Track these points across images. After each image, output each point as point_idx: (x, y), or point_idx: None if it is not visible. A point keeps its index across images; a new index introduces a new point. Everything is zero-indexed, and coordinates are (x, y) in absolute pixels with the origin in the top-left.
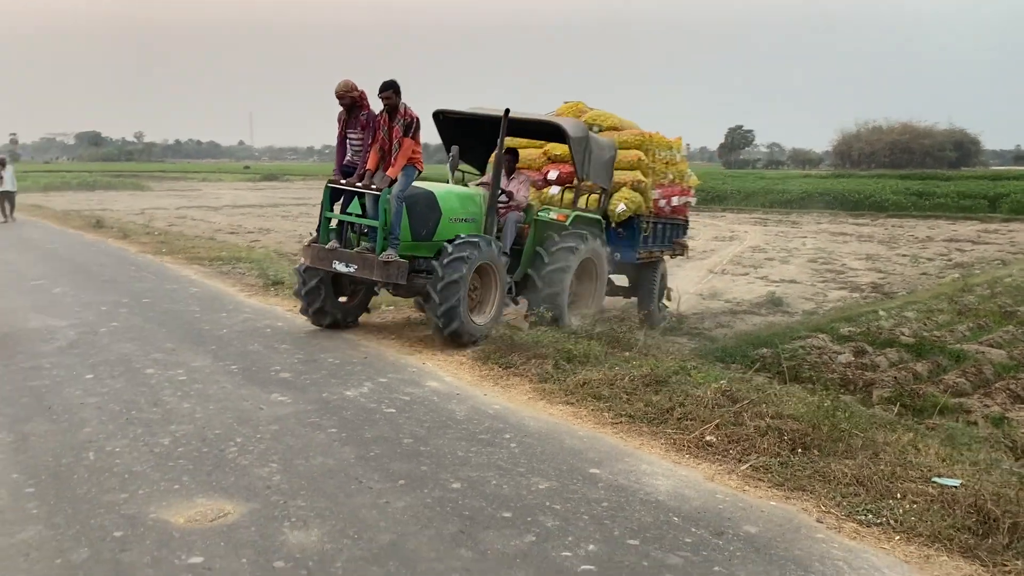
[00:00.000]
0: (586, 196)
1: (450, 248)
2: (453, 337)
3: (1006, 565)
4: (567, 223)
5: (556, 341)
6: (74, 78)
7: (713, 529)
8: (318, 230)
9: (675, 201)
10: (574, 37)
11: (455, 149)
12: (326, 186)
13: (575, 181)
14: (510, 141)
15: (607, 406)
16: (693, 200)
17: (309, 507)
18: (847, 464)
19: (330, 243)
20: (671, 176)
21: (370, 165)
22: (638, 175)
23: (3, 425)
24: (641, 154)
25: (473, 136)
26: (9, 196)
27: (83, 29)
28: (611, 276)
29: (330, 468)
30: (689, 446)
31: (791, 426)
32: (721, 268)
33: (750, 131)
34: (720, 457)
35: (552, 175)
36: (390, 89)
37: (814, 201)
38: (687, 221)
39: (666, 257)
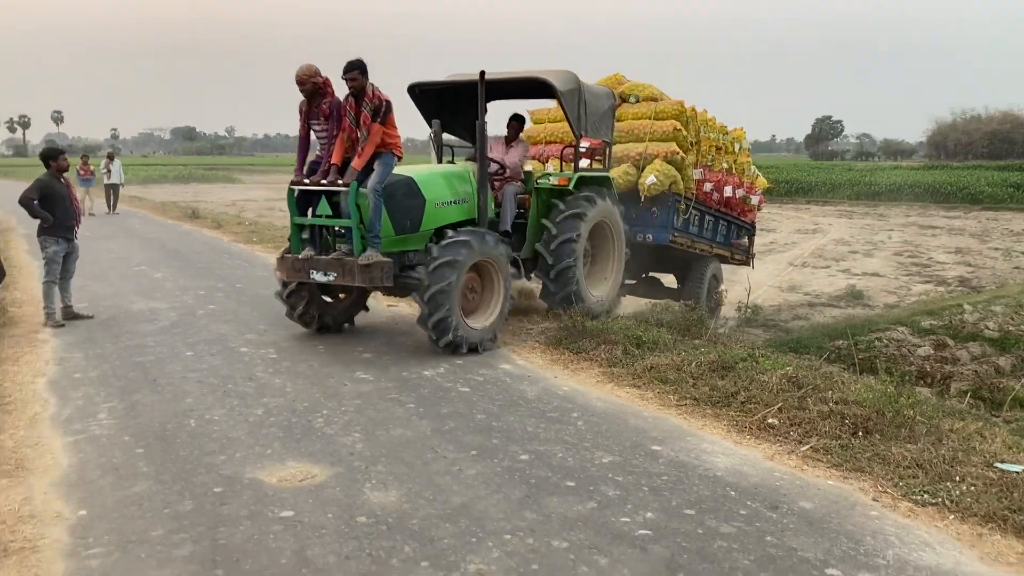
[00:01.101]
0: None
1: (435, 251)
2: (449, 348)
3: None
4: (570, 186)
5: (626, 328)
6: (171, 76)
7: (768, 503)
8: (290, 239)
9: (728, 191)
10: (651, 28)
11: (436, 124)
12: (289, 189)
13: (575, 140)
14: (509, 106)
15: (673, 389)
16: (756, 199)
17: (388, 472)
18: (908, 448)
19: (303, 252)
20: (725, 164)
21: (335, 159)
22: (673, 147)
23: (114, 395)
24: (678, 124)
25: (456, 107)
26: (115, 189)
27: (180, 31)
28: (657, 276)
29: (408, 439)
30: (751, 428)
31: (854, 411)
32: (802, 261)
33: (839, 122)
34: (781, 439)
35: (585, 146)
36: (355, 69)
37: (903, 193)
38: (752, 226)
39: (720, 258)
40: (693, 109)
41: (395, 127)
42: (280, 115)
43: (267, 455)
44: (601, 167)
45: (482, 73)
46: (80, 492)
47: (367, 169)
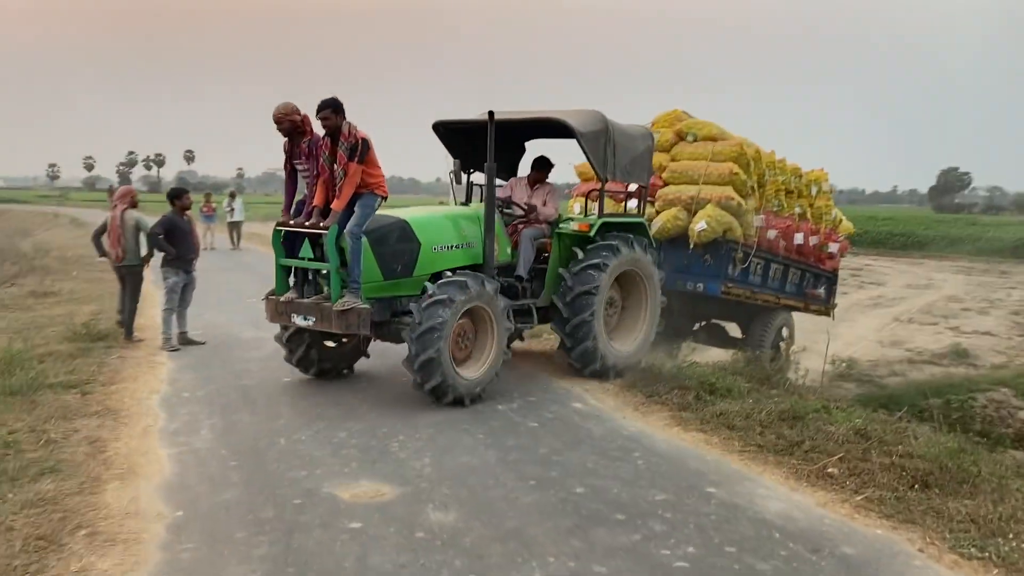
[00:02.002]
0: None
1: (431, 288)
2: (434, 395)
3: None
4: (591, 232)
5: (701, 374)
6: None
7: (811, 546)
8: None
9: (799, 239)
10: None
11: (455, 163)
12: (274, 230)
13: (600, 184)
14: (540, 148)
15: (739, 436)
16: (836, 247)
17: (451, 495)
18: (965, 504)
19: (286, 294)
20: (798, 209)
21: (317, 200)
22: (729, 191)
23: (216, 413)
24: (736, 167)
25: (484, 143)
26: (237, 226)
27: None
28: (723, 323)
29: (473, 466)
30: (810, 476)
31: (916, 465)
32: (908, 316)
33: (966, 173)
34: (837, 488)
35: (632, 186)
36: (327, 108)
37: None
38: (834, 274)
39: (794, 307)
40: (758, 151)
41: (377, 166)
42: (397, 157)
43: (344, 473)
44: (638, 208)
45: (491, 113)
46: (179, 496)
47: (350, 211)
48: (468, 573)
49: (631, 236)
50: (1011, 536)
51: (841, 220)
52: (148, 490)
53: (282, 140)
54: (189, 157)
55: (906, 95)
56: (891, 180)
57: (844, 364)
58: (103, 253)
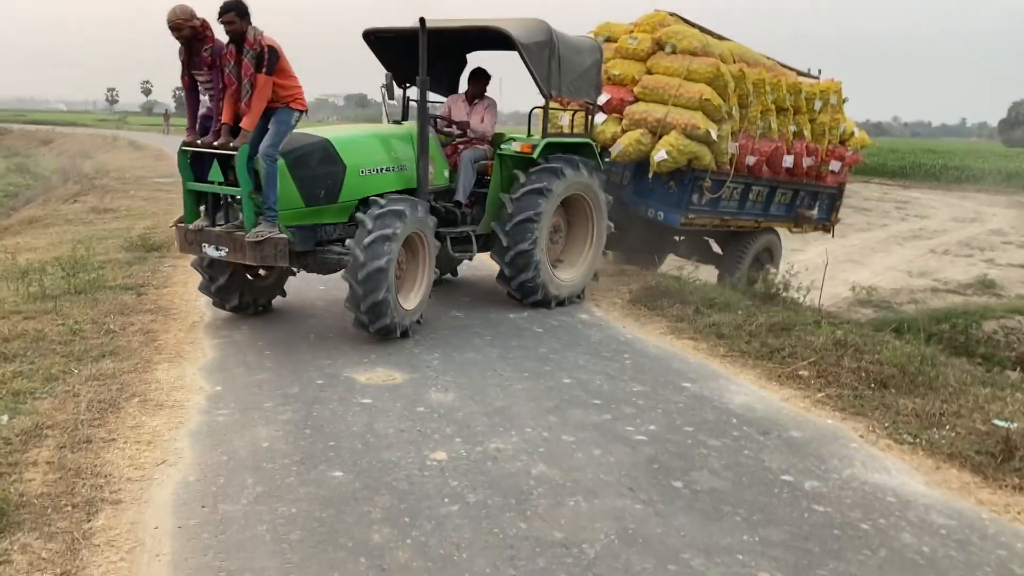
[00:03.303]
0: (571, 115)
1: (369, 223)
2: (381, 334)
3: (1004, 479)
4: (534, 154)
5: (702, 289)
6: (342, 45)
7: (761, 429)
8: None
9: (788, 162)
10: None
11: (387, 77)
12: (180, 150)
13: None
14: (483, 61)
15: (725, 343)
16: (837, 165)
17: (452, 381)
18: (916, 401)
19: (195, 222)
20: (793, 128)
21: (225, 116)
22: (697, 119)
23: (245, 320)
24: (708, 91)
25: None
26: None
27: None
28: (708, 240)
29: (476, 360)
30: (781, 377)
31: (881, 369)
32: (944, 249)
33: None
34: (803, 387)
35: (602, 99)
36: (231, 11)
37: None
38: (839, 189)
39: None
40: (742, 70)
41: (291, 76)
42: None
43: (363, 363)
44: (585, 126)
45: (422, 20)
46: (219, 375)
47: (263, 128)
48: (455, 437)
49: (577, 158)
50: (947, 428)
51: (852, 133)
52: (192, 370)
53: (177, 48)
54: (146, 89)
55: (977, 24)
56: (959, 112)
57: (864, 291)
58: None
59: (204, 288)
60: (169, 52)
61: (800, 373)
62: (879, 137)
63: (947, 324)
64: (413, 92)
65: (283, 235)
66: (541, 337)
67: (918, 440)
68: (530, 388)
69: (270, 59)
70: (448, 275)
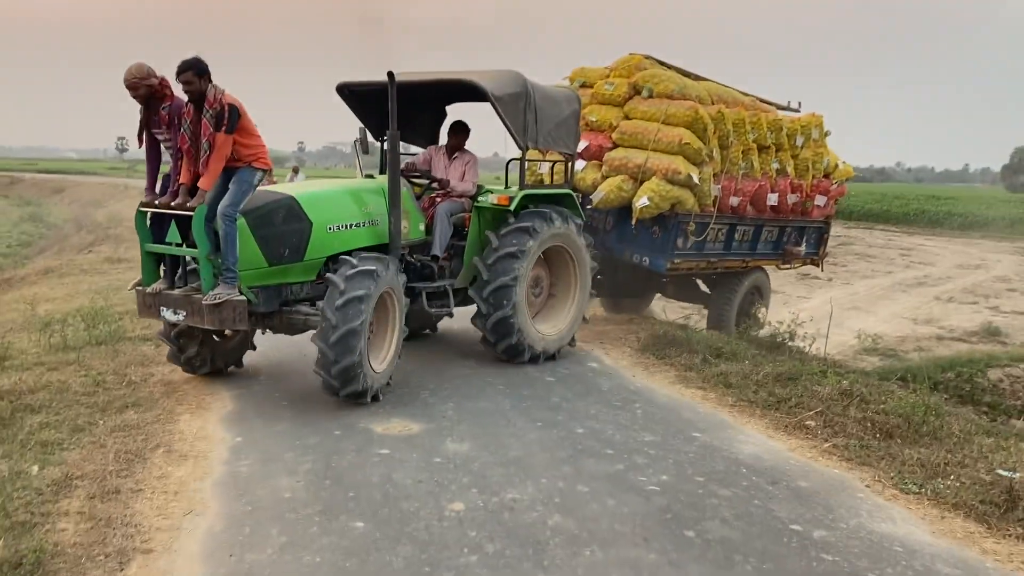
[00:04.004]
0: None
1: (341, 283)
2: (351, 398)
3: (1008, 528)
4: (511, 207)
5: (709, 339)
6: None
7: (770, 479)
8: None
9: (773, 200)
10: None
11: (361, 131)
12: (137, 211)
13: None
14: (463, 113)
15: (734, 392)
16: (822, 200)
17: (467, 431)
18: (921, 451)
19: (153, 285)
20: (776, 165)
21: (184, 178)
22: (676, 164)
23: (273, 365)
24: (687, 136)
25: (402, 111)
26: None
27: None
28: (696, 280)
29: (490, 410)
30: (788, 427)
31: (886, 419)
32: (949, 296)
33: None
34: (811, 437)
35: (580, 146)
36: (189, 70)
37: None
38: (826, 223)
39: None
40: (721, 111)
41: (254, 135)
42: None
43: (379, 413)
44: (564, 176)
45: (390, 74)
46: (239, 426)
47: (223, 188)
48: (472, 487)
49: (553, 210)
50: (952, 478)
51: (836, 165)
52: (213, 421)
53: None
54: None
55: (980, 69)
56: (962, 158)
57: (870, 339)
58: None
59: (173, 357)
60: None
61: (807, 423)
62: (883, 183)
63: (952, 372)
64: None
65: (241, 297)
66: (552, 386)
67: (923, 490)
68: (544, 438)
69: (230, 118)
70: (427, 331)
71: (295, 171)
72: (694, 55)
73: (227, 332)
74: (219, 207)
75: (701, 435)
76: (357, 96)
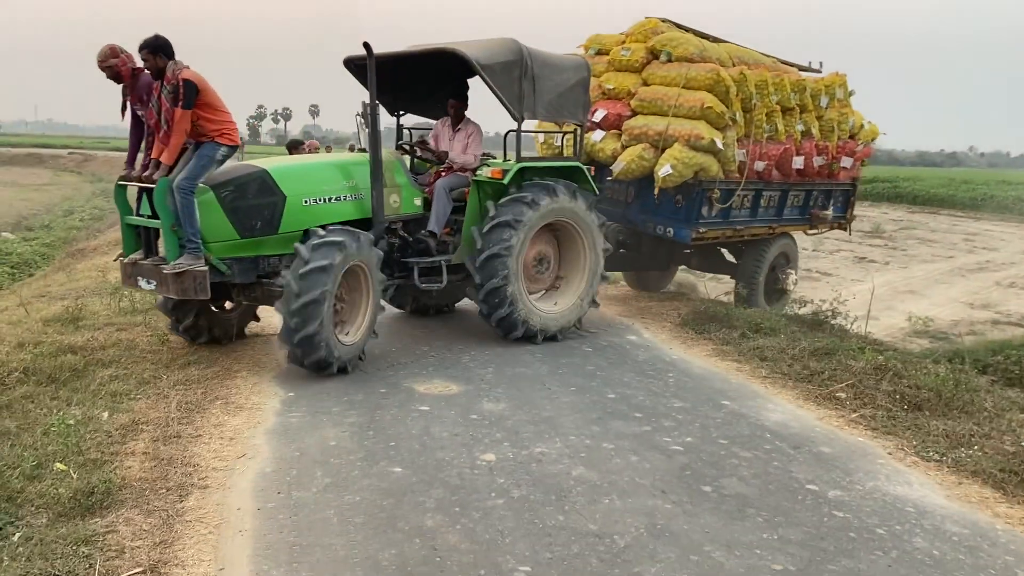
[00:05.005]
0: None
1: (305, 253)
2: (316, 368)
3: None
4: (505, 180)
5: (750, 315)
6: None
7: (793, 444)
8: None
9: (799, 163)
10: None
11: (363, 104)
12: (116, 185)
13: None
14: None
15: (768, 366)
16: (848, 162)
17: (503, 393)
18: (948, 423)
19: (130, 256)
20: (800, 127)
21: (155, 153)
22: (700, 128)
23: None
24: (709, 99)
25: (409, 81)
26: None
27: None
28: (721, 250)
29: (527, 375)
30: (819, 398)
31: (917, 393)
32: (1010, 281)
33: None
34: (839, 407)
35: (598, 115)
36: (144, 49)
37: None
38: (853, 184)
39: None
40: (743, 72)
41: (219, 110)
42: None
43: (422, 374)
44: (579, 150)
45: (366, 45)
46: (291, 382)
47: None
48: (503, 441)
49: (560, 183)
50: (975, 448)
51: (862, 126)
52: (268, 377)
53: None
54: (314, 111)
55: None
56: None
57: (921, 322)
58: None
59: (173, 328)
60: (239, 78)
61: (838, 395)
62: (953, 167)
63: (1002, 355)
64: (405, 119)
65: (203, 268)
66: (589, 356)
67: (944, 458)
68: (576, 401)
69: (186, 93)
70: (445, 308)
71: (351, 149)
72: (723, 20)
73: (226, 305)
74: (175, 180)
75: (730, 403)
76: (362, 70)
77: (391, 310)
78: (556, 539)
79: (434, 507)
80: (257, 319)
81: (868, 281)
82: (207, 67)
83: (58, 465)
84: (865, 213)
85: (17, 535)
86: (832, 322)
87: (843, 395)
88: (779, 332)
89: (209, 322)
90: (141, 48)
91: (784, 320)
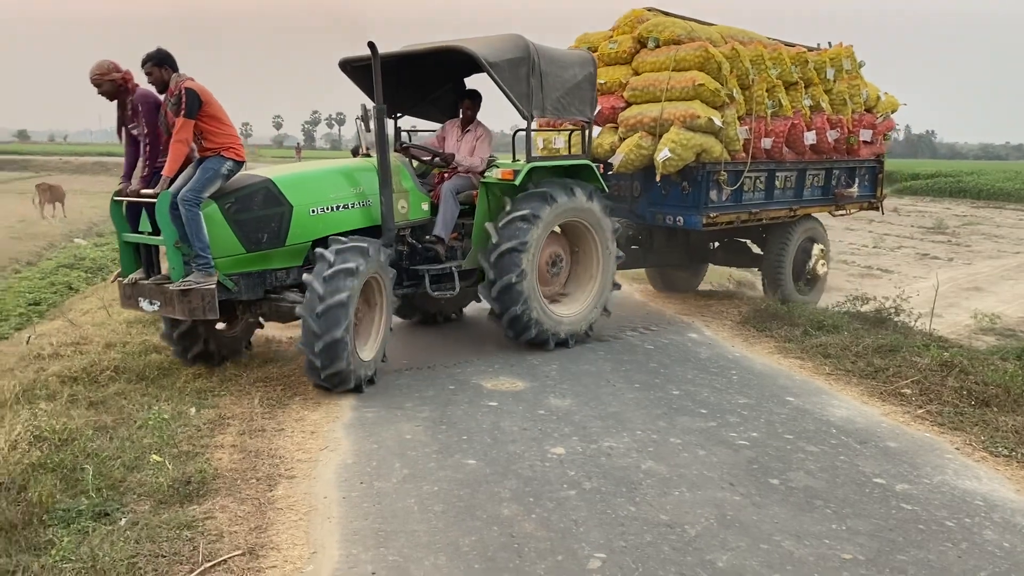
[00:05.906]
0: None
1: (330, 256)
2: (334, 382)
3: None
4: (516, 181)
5: (812, 313)
6: None
7: (859, 439)
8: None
9: (810, 139)
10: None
11: (363, 107)
12: (112, 201)
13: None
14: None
15: (831, 363)
16: (869, 134)
17: (569, 389)
18: (1018, 419)
19: (130, 276)
20: (808, 102)
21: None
22: (693, 109)
23: (397, 332)
24: (700, 76)
25: (409, 82)
26: None
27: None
28: (742, 239)
29: (591, 372)
30: (884, 394)
31: (984, 389)
32: None
33: None
34: (905, 403)
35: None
36: (148, 62)
37: None
38: (879, 161)
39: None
40: (734, 48)
41: (224, 123)
42: None
43: (489, 372)
44: (588, 148)
45: (371, 45)
46: None
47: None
48: (572, 436)
49: (571, 182)
50: None
51: (879, 97)
52: None
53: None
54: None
55: None
56: None
57: (987, 319)
58: None
59: (167, 337)
60: (290, 90)
61: (903, 391)
62: (1020, 160)
63: None
64: (403, 122)
65: (211, 285)
66: (651, 354)
67: (1014, 453)
68: (640, 397)
69: (188, 102)
70: (453, 315)
71: (355, 153)
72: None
73: (226, 322)
74: (179, 193)
75: (794, 399)
76: (360, 72)
77: (395, 319)
78: (628, 528)
79: (509, 497)
80: (261, 325)
81: (931, 278)
82: (261, 72)
83: (154, 457)
84: (927, 208)
85: (124, 520)
86: (895, 319)
87: (908, 391)
88: (841, 329)
89: (204, 336)
90: (145, 61)
91: (846, 317)
